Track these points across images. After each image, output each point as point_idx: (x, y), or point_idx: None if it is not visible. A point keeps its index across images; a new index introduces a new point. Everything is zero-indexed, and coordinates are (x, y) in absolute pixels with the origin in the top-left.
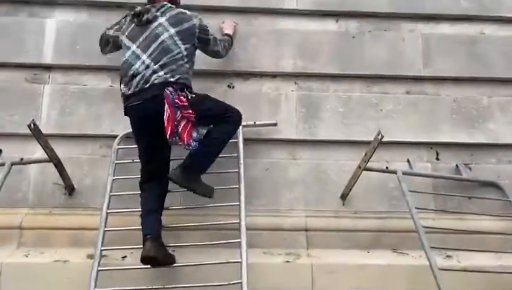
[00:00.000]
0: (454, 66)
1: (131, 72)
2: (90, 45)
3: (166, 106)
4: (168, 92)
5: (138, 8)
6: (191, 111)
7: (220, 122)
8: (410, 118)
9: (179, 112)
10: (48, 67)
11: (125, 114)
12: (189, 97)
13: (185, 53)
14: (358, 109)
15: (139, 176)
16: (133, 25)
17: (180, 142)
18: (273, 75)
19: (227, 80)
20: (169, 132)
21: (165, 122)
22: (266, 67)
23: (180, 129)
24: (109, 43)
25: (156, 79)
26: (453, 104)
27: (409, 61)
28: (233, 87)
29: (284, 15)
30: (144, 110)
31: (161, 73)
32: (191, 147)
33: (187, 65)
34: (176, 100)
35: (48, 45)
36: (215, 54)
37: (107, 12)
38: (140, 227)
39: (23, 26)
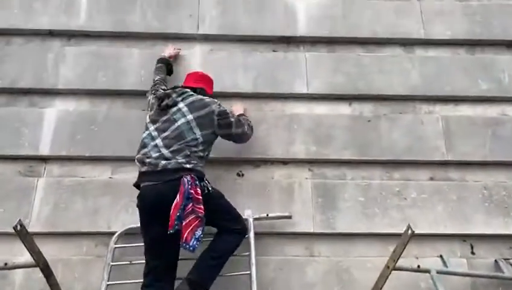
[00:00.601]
0: (479, 149)
1: (143, 151)
2: (91, 134)
3: (178, 196)
4: (185, 180)
5: (160, 92)
6: (203, 207)
7: (227, 231)
8: (437, 207)
9: (190, 205)
10: (44, 159)
11: (136, 186)
12: (210, 189)
13: (200, 140)
14: (380, 197)
15: (138, 280)
16: (155, 107)
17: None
18: (285, 162)
19: (236, 167)
20: (170, 223)
21: (171, 211)
22: (277, 153)
23: (184, 223)
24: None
25: (168, 164)
26: (484, 191)
27: (431, 145)
28: (242, 175)
29: (295, 99)
30: (157, 193)
31: (173, 160)
32: (189, 247)
33: (201, 153)
34: (191, 190)
35: (46, 135)
36: (241, 136)
37: (109, 100)
38: None
39: (22, 117)
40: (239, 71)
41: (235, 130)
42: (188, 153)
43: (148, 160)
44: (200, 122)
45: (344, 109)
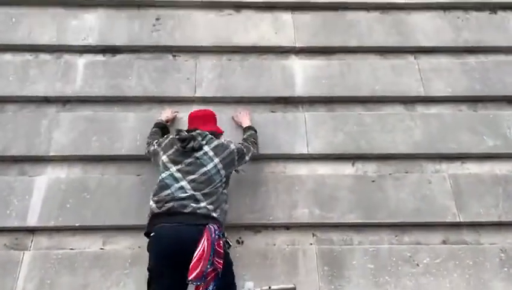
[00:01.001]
0: (492, 209)
1: (166, 192)
2: (82, 202)
3: (204, 240)
4: (212, 228)
5: (184, 134)
6: (222, 262)
7: None
8: (453, 274)
9: (211, 256)
10: (32, 231)
11: (147, 235)
12: (230, 245)
13: (224, 180)
14: (390, 264)
15: None
16: (175, 147)
17: None
18: (287, 227)
19: (235, 233)
20: (195, 273)
21: (194, 259)
22: (279, 217)
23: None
24: (152, 158)
25: (198, 208)
26: (501, 255)
27: (440, 206)
28: (242, 242)
29: (296, 160)
30: (179, 236)
31: (203, 203)
32: None
33: (225, 191)
34: (215, 242)
35: (35, 205)
36: (251, 157)
37: (102, 166)
38: None
39: (11, 186)
40: (238, 132)
41: (248, 158)
42: (215, 198)
43: (174, 201)
44: (225, 164)
45: (347, 169)
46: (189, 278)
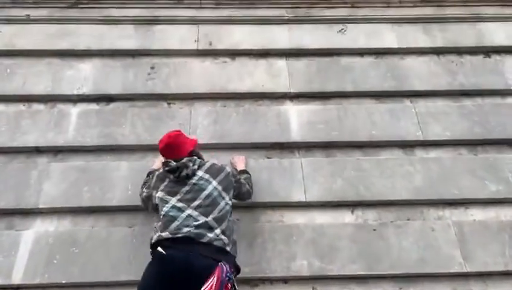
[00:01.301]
0: (499, 257)
1: (175, 225)
2: (70, 257)
3: (214, 278)
4: (224, 268)
5: (173, 164)
6: None
7: None
8: None
9: None
10: (16, 289)
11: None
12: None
13: (230, 203)
14: None
15: None
16: (167, 180)
17: None
18: (285, 280)
19: None
20: None
21: None
22: (276, 271)
23: None
24: (149, 204)
25: (214, 240)
26: None
27: (446, 255)
28: None
29: (293, 208)
30: (192, 263)
31: (218, 231)
32: None
33: (231, 218)
34: (224, 283)
35: (21, 261)
36: (247, 195)
37: (93, 218)
38: None
39: None
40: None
41: (243, 189)
42: (226, 225)
43: (186, 229)
44: (224, 186)
45: (347, 217)
46: None
